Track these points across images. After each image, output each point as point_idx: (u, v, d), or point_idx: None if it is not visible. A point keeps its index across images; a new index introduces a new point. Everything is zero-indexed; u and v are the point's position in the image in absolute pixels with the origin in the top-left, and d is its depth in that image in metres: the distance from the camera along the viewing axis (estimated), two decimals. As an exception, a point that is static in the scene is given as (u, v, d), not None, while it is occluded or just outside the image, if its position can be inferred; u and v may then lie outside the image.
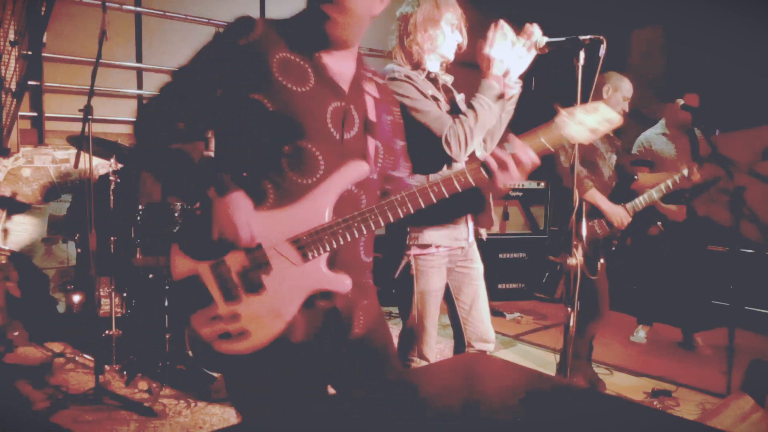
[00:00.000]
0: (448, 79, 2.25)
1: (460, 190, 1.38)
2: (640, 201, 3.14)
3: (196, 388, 3.09)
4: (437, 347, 2.26)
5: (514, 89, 2.10)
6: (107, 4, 3.17)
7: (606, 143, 3.20)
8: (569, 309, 1.96)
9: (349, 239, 1.32)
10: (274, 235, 1.29)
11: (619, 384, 3.50)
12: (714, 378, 3.46)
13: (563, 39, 2.00)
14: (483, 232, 2.30)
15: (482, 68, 2.06)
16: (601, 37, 1.90)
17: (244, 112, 1.29)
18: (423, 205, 1.35)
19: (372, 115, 1.43)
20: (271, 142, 1.29)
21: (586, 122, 1.41)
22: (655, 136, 3.94)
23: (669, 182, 3.18)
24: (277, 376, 1.33)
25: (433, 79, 2.18)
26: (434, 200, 1.36)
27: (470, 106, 2.02)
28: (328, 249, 1.31)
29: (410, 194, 1.34)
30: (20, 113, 3.98)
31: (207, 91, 1.31)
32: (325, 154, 1.32)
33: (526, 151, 1.36)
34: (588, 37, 1.94)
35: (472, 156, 2.06)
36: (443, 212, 2.03)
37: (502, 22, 2.03)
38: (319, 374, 1.43)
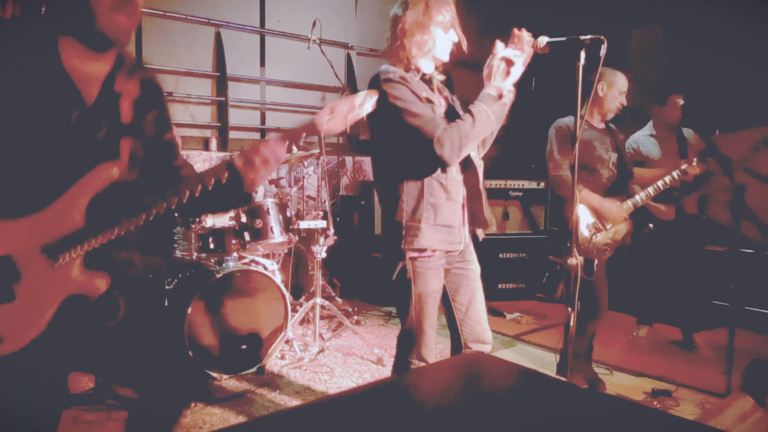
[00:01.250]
0: (441, 78, 2.23)
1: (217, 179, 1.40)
2: (640, 197, 3.14)
3: (196, 388, 3.09)
4: (437, 348, 2.25)
5: (507, 97, 2.09)
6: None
7: (606, 143, 3.18)
8: (569, 309, 1.96)
9: (103, 240, 1.34)
10: (22, 243, 1.30)
11: (619, 384, 3.50)
12: (714, 378, 3.46)
13: (563, 39, 2.00)
14: (480, 233, 2.29)
15: (484, 76, 2.06)
16: (602, 37, 1.90)
17: None
18: (183, 199, 1.37)
19: (126, 117, 1.43)
20: (8, 155, 1.30)
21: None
22: (643, 138, 3.95)
23: (668, 178, 3.18)
24: (29, 370, 1.37)
25: (427, 81, 2.16)
26: (197, 193, 1.38)
27: (468, 111, 2.01)
28: (80, 252, 1.33)
29: (170, 188, 1.37)
30: None
31: None
32: (69, 159, 1.33)
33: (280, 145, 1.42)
34: (588, 37, 1.95)
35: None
36: (439, 216, 2.04)
37: (518, 32, 2.01)
38: (68, 360, 1.47)
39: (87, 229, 1.33)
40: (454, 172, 2.13)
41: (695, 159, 3.26)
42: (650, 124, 3.99)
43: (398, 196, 2.09)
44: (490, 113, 2.00)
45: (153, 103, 1.53)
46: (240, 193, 1.47)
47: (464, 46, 2.17)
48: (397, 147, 2.09)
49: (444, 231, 2.11)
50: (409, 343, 2.17)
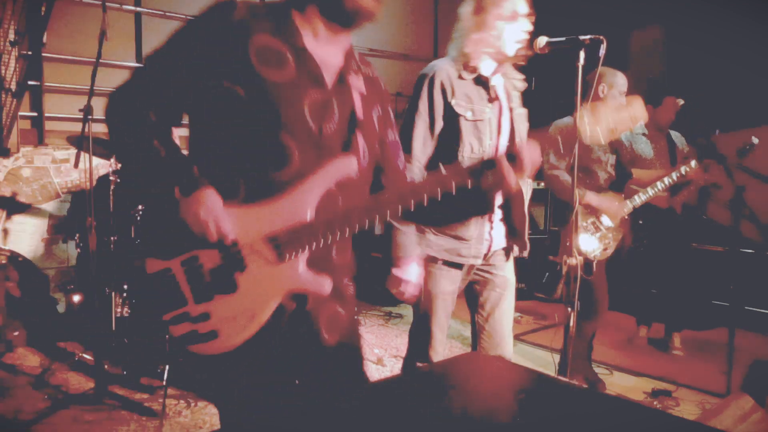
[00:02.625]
0: (504, 83, 2.13)
1: (453, 189, 1.33)
2: (639, 198, 3.14)
3: (196, 388, 3.09)
4: (447, 352, 2.23)
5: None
6: (107, 4, 3.16)
7: (603, 145, 3.19)
8: (569, 309, 1.96)
9: (330, 240, 1.26)
10: (249, 232, 1.22)
11: (619, 384, 3.50)
12: (714, 378, 3.46)
13: (563, 39, 2.00)
14: (516, 250, 2.22)
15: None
16: (601, 38, 1.90)
17: (217, 101, 1.22)
18: (412, 207, 1.29)
19: (359, 112, 1.35)
20: (243, 134, 1.22)
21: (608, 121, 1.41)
22: (636, 136, 3.96)
23: (667, 180, 3.18)
24: (243, 376, 1.30)
25: (483, 83, 2.04)
26: (425, 200, 1.30)
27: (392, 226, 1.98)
28: (307, 249, 1.24)
29: (399, 194, 1.29)
30: (20, 113, 3.99)
31: (180, 78, 1.24)
32: (301, 148, 1.25)
33: (534, 150, 1.36)
34: (588, 37, 1.95)
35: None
36: (446, 218, 1.98)
37: None
38: (283, 377, 1.39)
39: (318, 225, 1.24)
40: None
41: (694, 160, 3.26)
42: (641, 123, 4.00)
43: None
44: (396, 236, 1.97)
45: (378, 100, 1.45)
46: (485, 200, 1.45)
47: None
48: None
49: (452, 241, 2.04)
50: (416, 343, 2.14)
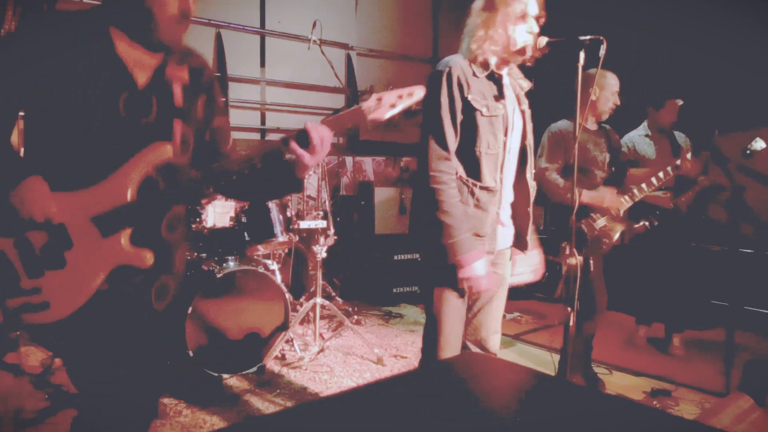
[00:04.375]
0: (510, 83, 2.14)
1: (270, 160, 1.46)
2: (636, 193, 3.15)
3: (196, 388, 3.10)
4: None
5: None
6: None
7: (600, 144, 3.20)
8: (569, 309, 1.97)
9: (152, 217, 1.43)
10: (75, 213, 1.37)
11: (619, 383, 3.50)
12: (713, 378, 3.47)
13: (563, 39, 2.00)
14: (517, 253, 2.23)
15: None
16: (601, 38, 1.91)
17: (44, 103, 1.37)
18: (236, 173, 1.45)
19: (178, 102, 1.48)
20: (68, 128, 1.37)
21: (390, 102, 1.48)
22: (638, 138, 3.97)
23: (661, 174, 3.18)
24: (80, 343, 1.43)
25: (496, 79, 2.06)
26: (246, 171, 1.45)
27: (443, 219, 1.97)
28: (128, 226, 1.40)
29: (221, 165, 1.45)
30: (21, 113, 3.98)
31: (12, 88, 1.40)
32: (119, 139, 1.39)
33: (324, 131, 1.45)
34: (588, 37, 1.95)
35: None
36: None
37: None
38: (118, 342, 1.48)
39: (138, 204, 1.39)
40: (490, 181, 2.05)
41: (689, 154, 3.26)
42: (645, 124, 4.01)
43: (429, 194, 2.02)
44: (444, 229, 1.96)
45: (203, 89, 1.58)
46: (292, 177, 1.54)
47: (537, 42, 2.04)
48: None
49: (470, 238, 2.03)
50: (428, 344, 2.14)
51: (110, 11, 1.44)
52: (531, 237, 2.22)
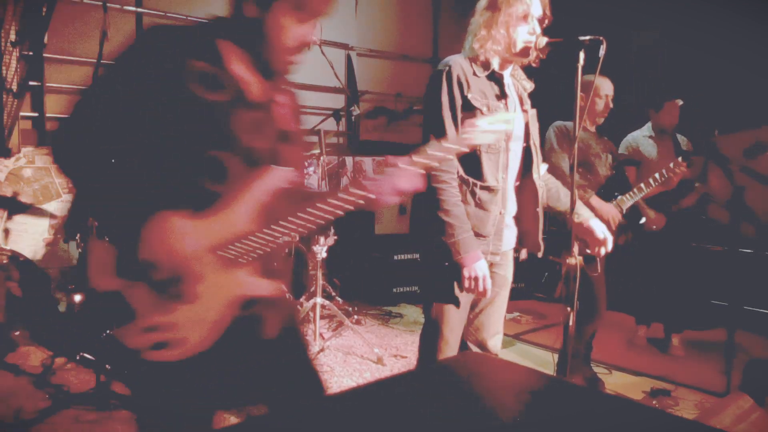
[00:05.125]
0: (513, 83, 2.14)
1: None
2: (629, 197, 3.17)
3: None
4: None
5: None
6: (108, 4, 3.17)
7: (601, 143, 3.23)
8: (569, 309, 1.97)
9: (276, 246, 1.33)
10: (199, 245, 1.29)
11: (618, 383, 3.51)
12: (713, 377, 3.47)
13: (563, 39, 2.00)
14: (523, 253, 2.23)
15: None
16: (601, 38, 1.91)
17: (157, 125, 1.29)
18: (343, 213, 1.33)
19: (287, 125, 1.45)
20: (182, 153, 1.31)
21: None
22: (642, 138, 3.97)
23: (657, 175, 3.19)
24: (192, 382, 1.35)
25: (497, 79, 2.06)
26: (354, 208, 1.33)
27: (444, 218, 1.96)
28: (253, 257, 1.32)
29: (335, 203, 1.31)
30: (21, 114, 3.99)
31: (123, 114, 1.30)
32: (234, 162, 1.33)
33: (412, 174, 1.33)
34: (588, 37, 1.95)
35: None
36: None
37: None
38: (232, 378, 1.42)
39: (261, 233, 1.32)
40: (491, 180, 2.05)
41: (680, 158, 3.26)
42: (648, 125, 4.01)
43: (429, 193, 2.02)
44: (446, 229, 1.96)
45: (298, 115, 1.54)
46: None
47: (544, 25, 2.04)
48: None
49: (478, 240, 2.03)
50: (426, 345, 2.13)
51: (222, 26, 1.40)
52: (581, 210, 2.22)
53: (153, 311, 1.29)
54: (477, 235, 2.03)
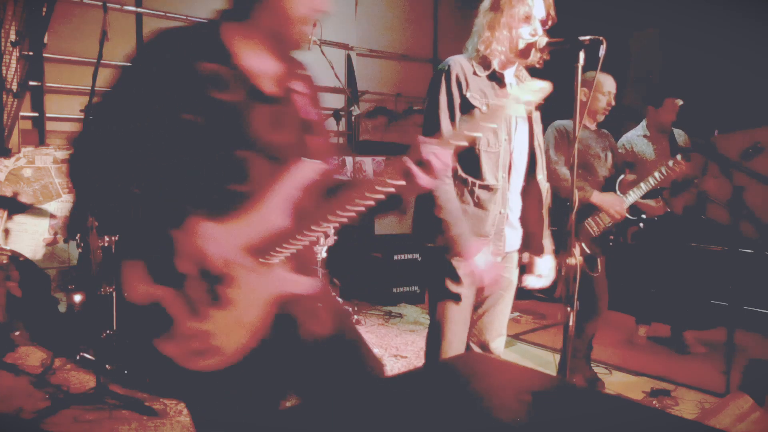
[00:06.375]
0: (516, 83, 2.11)
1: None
2: (631, 195, 3.15)
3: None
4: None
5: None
6: (108, 4, 3.17)
7: (601, 142, 3.22)
8: (569, 308, 1.97)
9: (308, 242, 1.29)
10: (231, 246, 1.24)
11: (618, 383, 3.51)
12: (713, 377, 3.47)
13: (563, 39, 2.00)
14: (525, 256, 2.22)
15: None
16: (601, 38, 1.90)
17: (173, 130, 1.26)
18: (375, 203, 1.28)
19: (308, 114, 1.40)
20: (202, 155, 1.27)
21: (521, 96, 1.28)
22: (636, 138, 3.97)
23: (657, 174, 3.16)
24: (237, 386, 1.31)
25: (498, 78, 2.05)
26: (383, 197, 1.27)
27: (440, 216, 1.95)
28: (287, 254, 1.29)
29: (363, 193, 1.26)
30: (21, 113, 3.99)
31: (137, 123, 1.26)
32: (255, 159, 1.30)
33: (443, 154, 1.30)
34: (588, 37, 1.95)
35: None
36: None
37: None
38: (277, 378, 1.40)
39: (294, 229, 1.28)
40: (491, 179, 2.04)
41: (680, 155, 3.22)
42: (643, 124, 4.01)
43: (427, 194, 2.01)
44: (447, 222, 1.94)
45: (317, 100, 1.49)
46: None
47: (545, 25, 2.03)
48: None
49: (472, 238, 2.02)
50: (430, 347, 2.13)
51: (227, 17, 1.37)
52: (546, 241, 2.21)
53: (190, 319, 1.25)
54: (477, 235, 2.03)
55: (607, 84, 3.16)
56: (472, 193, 2.03)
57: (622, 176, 3.26)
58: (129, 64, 1.31)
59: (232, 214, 1.27)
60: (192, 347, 1.25)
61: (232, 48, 1.33)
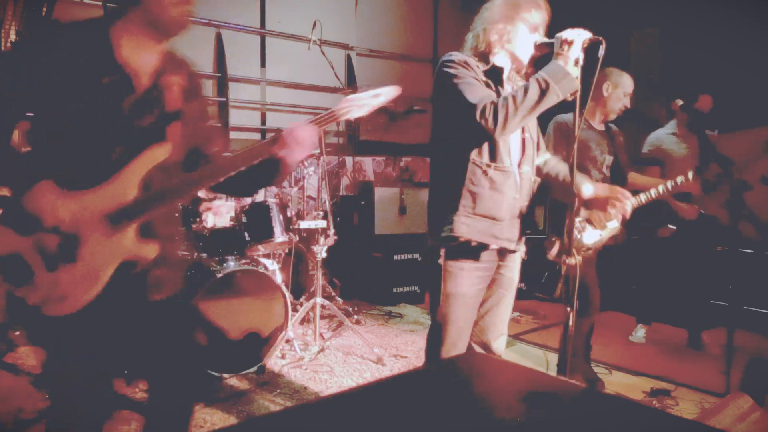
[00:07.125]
0: (511, 76, 2.14)
1: (256, 161, 1.57)
2: (639, 198, 3.12)
3: (197, 388, 3.10)
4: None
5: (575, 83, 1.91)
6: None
7: (603, 144, 3.17)
8: (568, 308, 1.97)
9: (155, 213, 1.52)
10: (85, 212, 1.47)
11: (618, 383, 3.51)
12: (713, 377, 3.47)
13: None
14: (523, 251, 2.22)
15: (556, 48, 1.91)
16: (601, 38, 1.91)
17: (50, 110, 1.48)
18: (226, 175, 1.55)
19: (175, 105, 1.59)
20: (75, 133, 1.47)
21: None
22: (666, 136, 3.95)
23: (661, 188, 3.07)
24: (83, 334, 1.51)
25: (495, 74, 2.06)
26: (238, 169, 1.56)
27: (530, 83, 1.90)
28: (133, 222, 1.50)
29: (212, 167, 1.57)
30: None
31: (18, 98, 1.51)
32: (121, 140, 1.51)
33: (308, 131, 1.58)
34: (588, 38, 1.95)
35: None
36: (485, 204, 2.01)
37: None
38: (114, 330, 1.58)
39: (141, 201, 1.50)
40: (507, 162, 2.03)
41: (691, 172, 3.09)
42: (673, 122, 3.98)
43: (440, 185, 2.05)
44: (552, 85, 1.86)
45: (195, 94, 1.68)
46: (278, 172, 1.66)
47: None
48: (443, 128, 2.06)
49: (485, 222, 2.01)
50: (431, 346, 2.12)
51: (114, 12, 1.54)
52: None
53: (45, 270, 1.46)
54: (492, 218, 2.01)
55: (630, 85, 3.12)
56: (485, 174, 2.01)
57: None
58: (22, 50, 1.55)
59: (91, 186, 1.48)
60: (45, 295, 1.45)
61: (115, 41, 1.51)
